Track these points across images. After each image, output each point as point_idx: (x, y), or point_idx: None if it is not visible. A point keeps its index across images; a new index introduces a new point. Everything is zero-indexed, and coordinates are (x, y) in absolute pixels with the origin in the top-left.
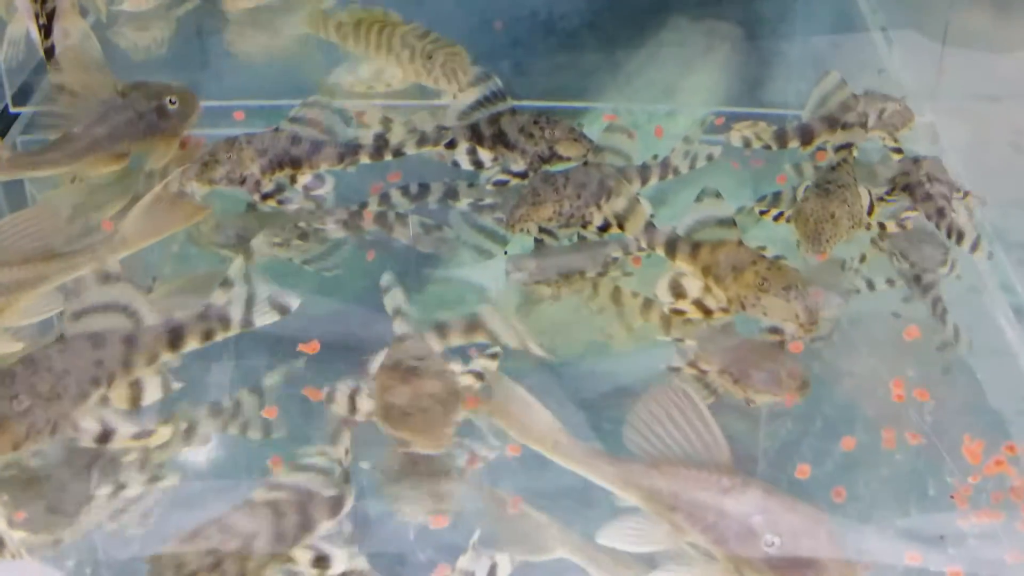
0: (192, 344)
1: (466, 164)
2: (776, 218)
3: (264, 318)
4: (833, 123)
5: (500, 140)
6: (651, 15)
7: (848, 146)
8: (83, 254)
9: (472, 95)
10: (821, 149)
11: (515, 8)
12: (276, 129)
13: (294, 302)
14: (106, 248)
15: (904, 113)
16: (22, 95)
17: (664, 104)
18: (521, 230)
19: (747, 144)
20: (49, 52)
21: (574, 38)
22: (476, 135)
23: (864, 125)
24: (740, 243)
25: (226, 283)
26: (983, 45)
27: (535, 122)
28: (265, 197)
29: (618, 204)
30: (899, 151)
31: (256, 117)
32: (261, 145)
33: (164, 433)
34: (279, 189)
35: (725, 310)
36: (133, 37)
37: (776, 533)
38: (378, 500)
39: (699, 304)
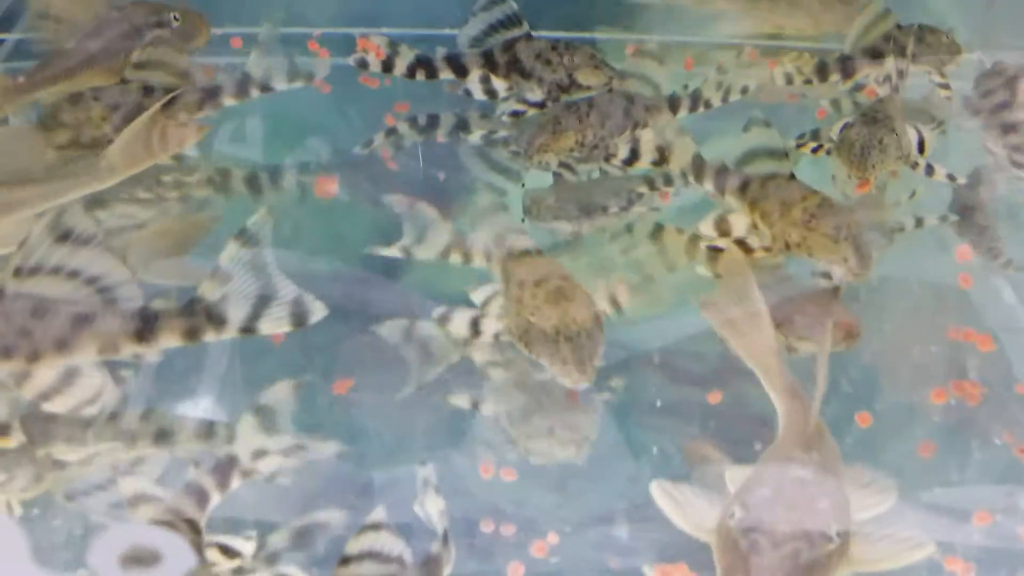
0: (169, 342)
1: (479, 94)
2: (815, 151)
3: (275, 325)
4: (876, 56)
5: (515, 68)
6: None
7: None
8: (67, 179)
9: (484, 19)
10: (863, 85)
11: None
12: (123, 81)
13: (319, 311)
14: (92, 174)
15: (951, 47)
16: (6, 21)
17: (694, 35)
18: (540, 162)
19: (789, 80)
20: None
21: None
22: (489, 63)
23: (910, 59)
24: (792, 177)
25: (218, 273)
26: None
27: (553, 48)
28: None
29: (664, 133)
30: (946, 87)
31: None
32: (111, 100)
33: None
34: None
35: (768, 249)
36: None
37: None
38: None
39: (740, 242)
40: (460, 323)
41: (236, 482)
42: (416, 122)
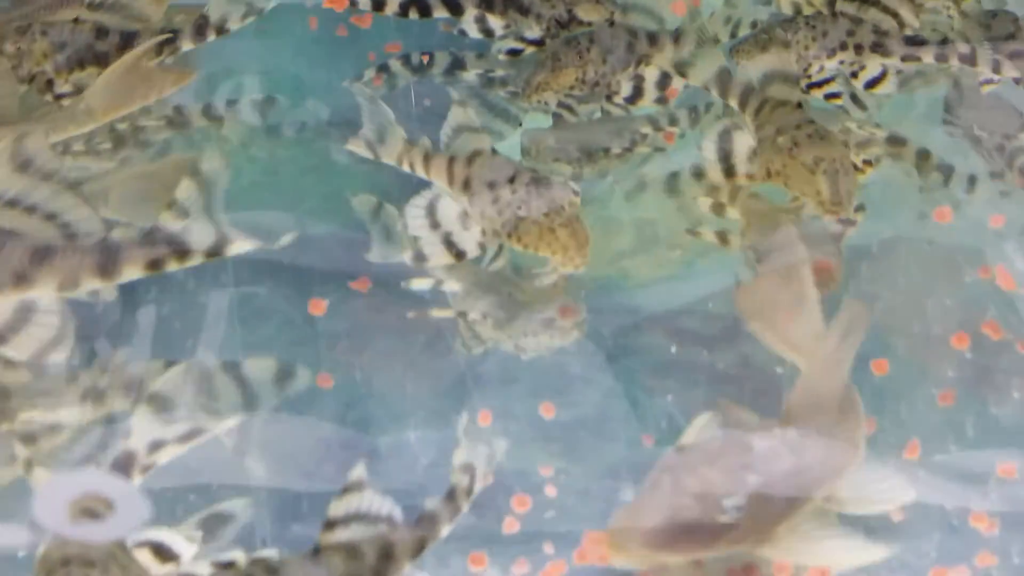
0: (132, 274)
1: (474, 32)
2: (828, 97)
3: (240, 245)
4: None
5: (512, 4)
6: None
7: None
8: (42, 121)
9: None
10: None
11: None
12: (77, 20)
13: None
14: (69, 116)
15: None
16: None
17: None
18: (539, 101)
19: (797, 10)
20: None
21: None
22: (485, 0)
23: None
24: (799, 105)
25: (176, 207)
26: None
27: None
28: (60, 98)
29: (681, 50)
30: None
31: None
32: (59, 37)
33: None
34: (79, 91)
35: (751, 176)
36: None
37: None
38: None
39: (727, 166)
40: (437, 254)
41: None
42: (409, 61)
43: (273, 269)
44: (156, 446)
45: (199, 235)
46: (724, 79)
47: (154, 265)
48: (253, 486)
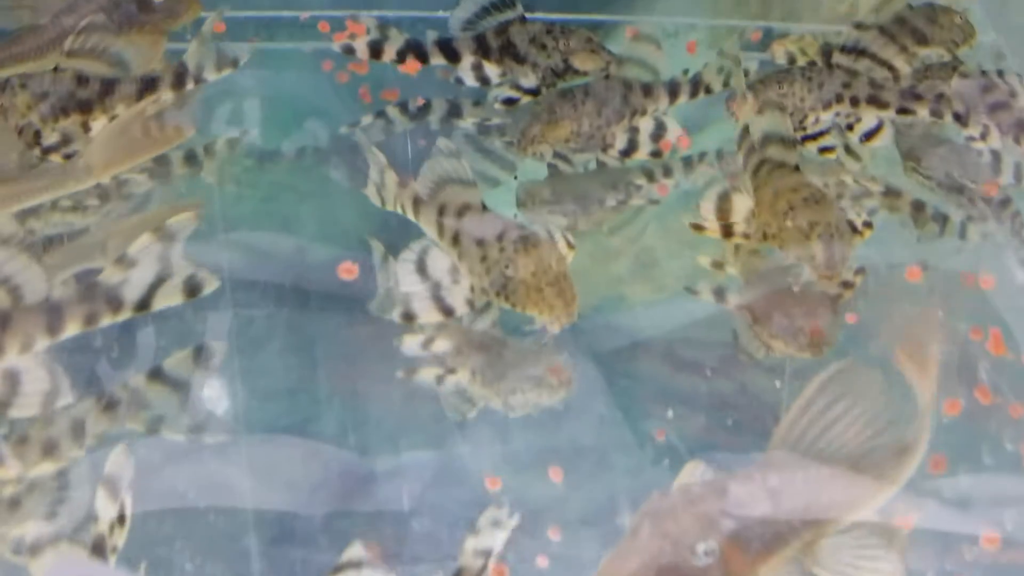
0: (74, 329)
1: (471, 80)
2: (823, 151)
3: (168, 299)
4: (887, 37)
5: (509, 53)
6: None
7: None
8: (43, 178)
9: (477, 1)
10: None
11: None
12: (56, 69)
13: (212, 283)
14: (69, 173)
15: (965, 28)
16: None
17: (694, 17)
18: (534, 153)
19: (791, 60)
20: None
21: None
22: (482, 47)
23: (922, 41)
24: (796, 168)
25: (124, 260)
26: None
27: (548, 32)
28: (47, 151)
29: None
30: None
31: (240, 28)
32: (40, 88)
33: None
34: (66, 140)
35: (747, 236)
36: None
37: None
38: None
39: (726, 226)
40: (426, 311)
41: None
42: (406, 108)
43: (273, 292)
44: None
45: (133, 288)
46: (743, 134)
47: (91, 320)
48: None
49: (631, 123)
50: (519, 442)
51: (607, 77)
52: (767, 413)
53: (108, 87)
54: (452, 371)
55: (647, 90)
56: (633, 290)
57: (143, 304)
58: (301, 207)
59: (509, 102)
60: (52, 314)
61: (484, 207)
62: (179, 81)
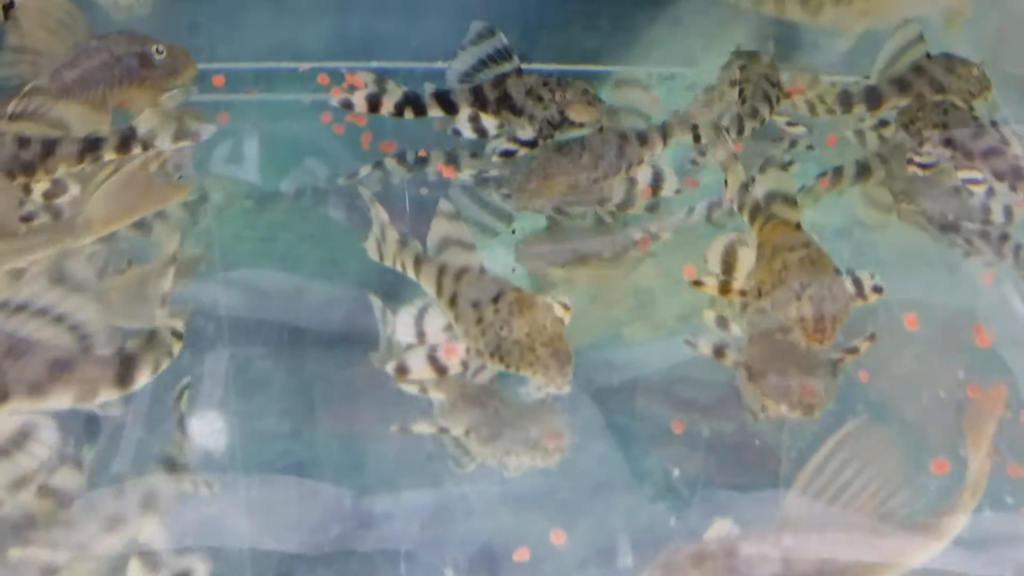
0: (144, 380)
1: (468, 132)
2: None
3: None
4: (904, 87)
5: (506, 104)
6: None
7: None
8: (41, 234)
9: (474, 53)
10: (887, 122)
11: None
12: None
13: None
14: (68, 230)
15: (982, 80)
16: None
17: (690, 68)
18: (531, 207)
19: (811, 109)
20: (7, 8)
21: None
22: (479, 99)
23: (939, 90)
24: (797, 226)
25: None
26: None
27: (544, 84)
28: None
29: (718, 154)
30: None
31: (240, 82)
32: None
33: None
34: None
35: (744, 293)
36: None
37: None
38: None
39: (724, 282)
40: (419, 367)
41: None
42: (404, 158)
43: (271, 333)
44: None
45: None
46: (743, 194)
47: (157, 367)
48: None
49: (628, 174)
50: (518, 482)
51: (601, 129)
52: (768, 453)
53: (49, 148)
54: (445, 431)
55: (642, 138)
56: (632, 329)
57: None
58: (299, 248)
59: (507, 154)
60: (123, 364)
61: (482, 269)
62: (124, 145)
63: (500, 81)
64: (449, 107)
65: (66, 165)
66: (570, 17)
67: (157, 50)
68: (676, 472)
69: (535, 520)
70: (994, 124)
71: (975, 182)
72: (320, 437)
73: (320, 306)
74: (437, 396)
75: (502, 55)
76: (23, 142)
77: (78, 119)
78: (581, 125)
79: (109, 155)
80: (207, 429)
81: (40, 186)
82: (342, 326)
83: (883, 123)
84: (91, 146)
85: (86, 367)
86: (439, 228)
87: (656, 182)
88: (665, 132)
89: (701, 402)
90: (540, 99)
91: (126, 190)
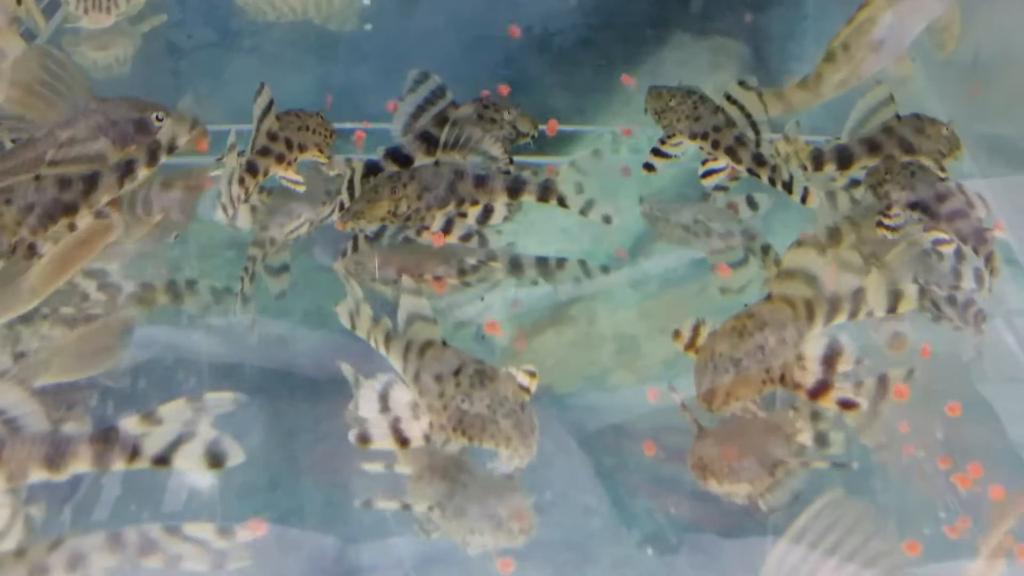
0: (80, 467)
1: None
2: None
3: (188, 462)
4: (874, 148)
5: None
6: (651, 31)
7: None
8: None
9: (412, 101)
10: (857, 181)
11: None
12: (38, 178)
13: (236, 456)
14: (16, 297)
15: (952, 140)
16: None
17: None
18: (353, 228)
19: (786, 161)
20: None
21: (570, 54)
22: (427, 141)
23: (909, 151)
24: (768, 297)
25: (151, 418)
26: (1015, 65)
27: (485, 107)
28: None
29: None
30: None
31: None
32: (24, 201)
33: None
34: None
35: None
36: (92, 56)
37: None
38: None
39: (690, 339)
40: (382, 437)
41: None
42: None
43: (255, 380)
44: None
45: (154, 442)
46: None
47: (101, 462)
48: None
49: (458, 210)
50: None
51: (436, 163)
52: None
53: (91, 183)
54: (409, 507)
55: (480, 181)
56: (616, 376)
57: (162, 459)
58: (283, 296)
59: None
60: (54, 446)
61: (444, 344)
62: (152, 158)
63: (442, 119)
64: (404, 160)
65: (108, 194)
66: (551, 73)
67: (157, 117)
68: (662, 519)
69: (521, 568)
70: (959, 185)
71: (943, 243)
72: (306, 484)
73: (304, 355)
74: (404, 469)
75: (437, 94)
76: (63, 183)
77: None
78: (527, 135)
79: (143, 172)
80: (186, 479)
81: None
82: (326, 375)
83: (854, 183)
84: (127, 170)
85: (14, 448)
86: (406, 304)
87: (484, 218)
88: (514, 187)
89: (687, 448)
90: (493, 121)
91: (68, 254)
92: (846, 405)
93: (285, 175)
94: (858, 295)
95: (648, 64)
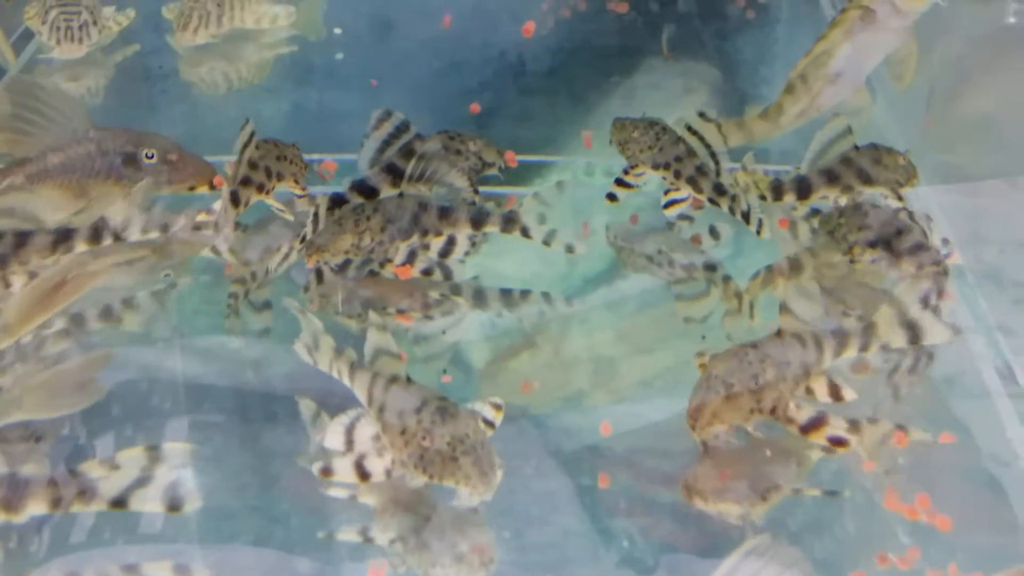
0: (37, 509)
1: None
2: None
3: (145, 505)
4: (832, 178)
5: (423, 170)
6: (623, 57)
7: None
8: None
9: (377, 138)
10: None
11: (483, 51)
12: None
13: (193, 501)
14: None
15: (908, 169)
16: None
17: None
18: (318, 261)
19: (745, 191)
20: None
21: (542, 82)
22: (393, 173)
23: (867, 181)
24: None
25: (110, 462)
26: (969, 96)
27: (451, 139)
28: None
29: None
30: (904, 211)
31: None
32: None
33: None
34: None
35: None
36: (64, 86)
37: None
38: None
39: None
40: (344, 471)
41: None
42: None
43: (231, 404)
44: None
45: (111, 486)
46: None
47: (57, 504)
48: None
49: (422, 241)
50: None
51: (401, 195)
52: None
53: (22, 240)
54: (371, 540)
55: (444, 212)
56: (593, 397)
57: (119, 502)
58: (258, 319)
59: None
60: (11, 489)
61: (409, 379)
62: (96, 236)
63: (408, 151)
64: (369, 192)
65: (39, 256)
66: (522, 103)
67: (147, 154)
68: (640, 540)
69: None
70: (911, 216)
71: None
72: (282, 507)
73: (281, 377)
74: (366, 500)
75: (401, 129)
76: None
77: (47, 204)
78: (492, 164)
79: (81, 247)
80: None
81: (17, 278)
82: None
83: (815, 212)
84: (64, 236)
85: None
86: (372, 339)
87: (447, 248)
88: (478, 218)
89: (664, 470)
90: (459, 152)
91: (38, 291)
92: (837, 443)
93: (271, 203)
94: (868, 330)
95: (621, 89)
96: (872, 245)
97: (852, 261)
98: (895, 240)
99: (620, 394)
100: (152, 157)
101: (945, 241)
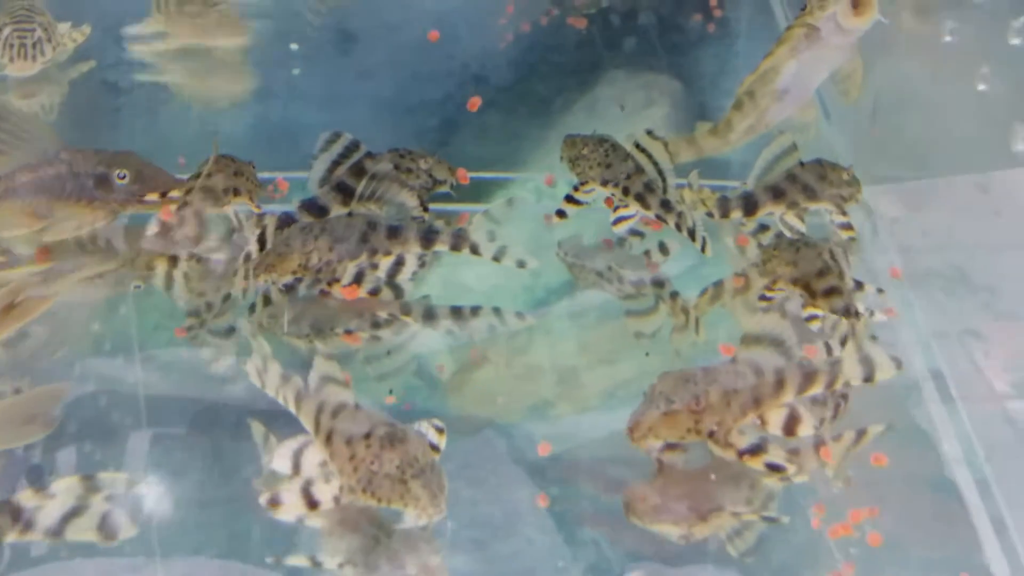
0: None
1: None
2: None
3: (81, 534)
4: (778, 194)
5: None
6: (584, 70)
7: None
8: None
9: (325, 159)
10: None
11: (445, 63)
12: None
13: (128, 530)
14: None
15: (852, 184)
16: None
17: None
18: (266, 281)
19: (692, 208)
20: None
21: (505, 94)
22: (343, 191)
23: (812, 197)
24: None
25: (45, 492)
26: (914, 114)
27: (401, 157)
28: None
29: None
30: (849, 227)
31: None
32: None
33: None
34: None
35: None
36: (17, 104)
37: None
38: None
39: None
40: (292, 501)
41: None
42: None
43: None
44: None
45: (46, 515)
46: None
47: None
48: None
49: (371, 261)
50: (449, 559)
51: (350, 214)
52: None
53: None
54: (319, 564)
55: (393, 231)
56: (557, 407)
57: (55, 531)
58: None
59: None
60: None
61: (357, 405)
62: None
63: (359, 169)
64: (319, 211)
65: None
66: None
67: (119, 175)
68: (606, 549)
69: None
70: (833, 257)
71: (814, 318)
72: (247, 518)
73: (243, 389)
74: (315, 523)
75: (351, 149)
76: None
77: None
78: (443, 182)
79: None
80: (123, 516)
81: None
82: (266, 412)
83: (763, 227)
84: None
85: None
86: (318, 367)
87: (395, 269)
88: (427, 236)
89: (628, 479)
90: (410, 171)
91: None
92: (774, 468)
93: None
94: (835, 367)
95: (583, 101)
96: (795, 282)
97: (763, 297)
98: (815, 280)
99: (584, 404)
100: (124, 177)
101: (879, 290)
